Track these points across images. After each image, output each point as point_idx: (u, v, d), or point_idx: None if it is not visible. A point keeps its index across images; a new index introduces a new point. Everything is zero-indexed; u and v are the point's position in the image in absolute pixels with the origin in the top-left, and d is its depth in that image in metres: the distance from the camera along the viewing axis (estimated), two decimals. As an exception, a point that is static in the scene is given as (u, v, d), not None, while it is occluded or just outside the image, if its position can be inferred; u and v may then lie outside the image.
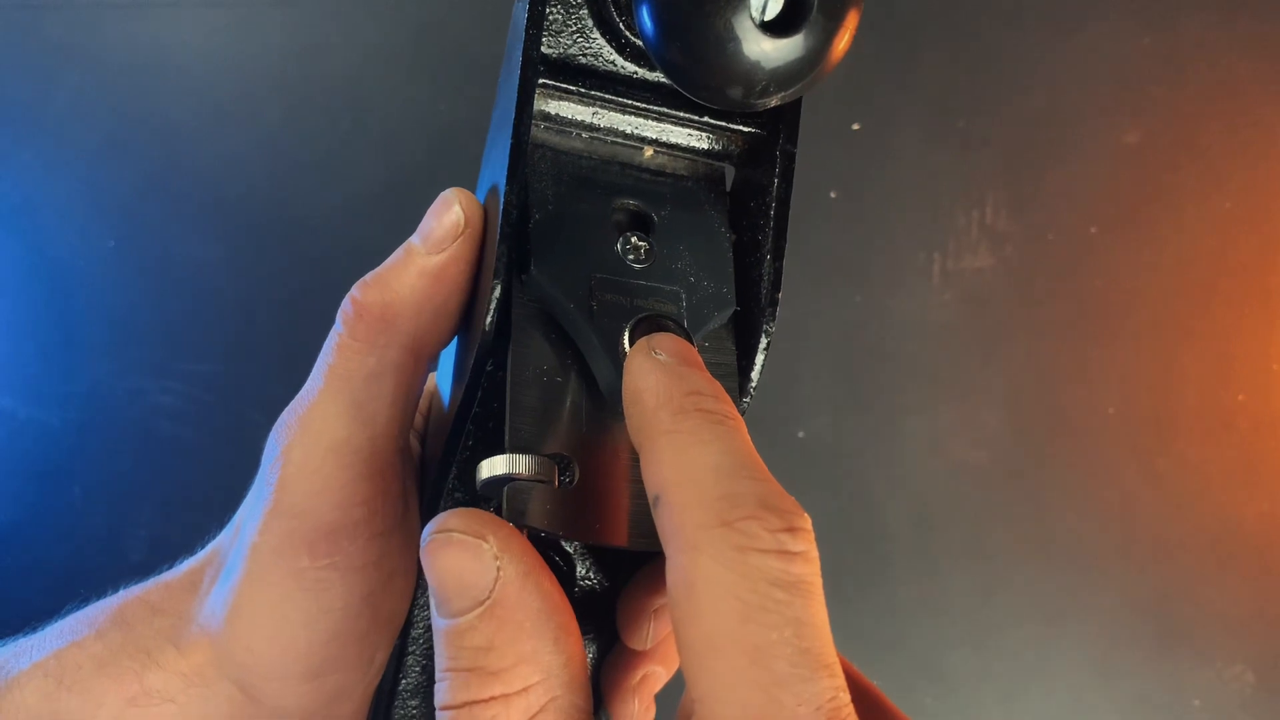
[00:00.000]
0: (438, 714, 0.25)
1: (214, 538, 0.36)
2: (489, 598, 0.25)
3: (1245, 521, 0.78)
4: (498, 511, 0.34)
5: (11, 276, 0.77)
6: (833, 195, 0.80)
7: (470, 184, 0.36)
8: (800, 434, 0.79)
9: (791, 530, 0.23)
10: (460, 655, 0.25)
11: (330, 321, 0.32)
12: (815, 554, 0.23)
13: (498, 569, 0.25)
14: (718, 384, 0.27)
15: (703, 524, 0.23)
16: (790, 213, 0.33)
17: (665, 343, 0.27)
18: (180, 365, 0.77)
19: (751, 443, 0.25)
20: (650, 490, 0.25)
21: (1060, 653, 0.77)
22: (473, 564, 0.25)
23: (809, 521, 0.24)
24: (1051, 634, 0.77)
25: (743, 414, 0.32)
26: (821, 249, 0.80)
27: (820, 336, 0.79)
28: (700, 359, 0.27)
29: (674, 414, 0.25)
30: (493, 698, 0.25)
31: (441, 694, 0.26)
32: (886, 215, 0.81)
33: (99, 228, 0.78)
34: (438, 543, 0.26)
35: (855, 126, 0.80)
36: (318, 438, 0.31)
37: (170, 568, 0.36)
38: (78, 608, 0.35)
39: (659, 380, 0.26)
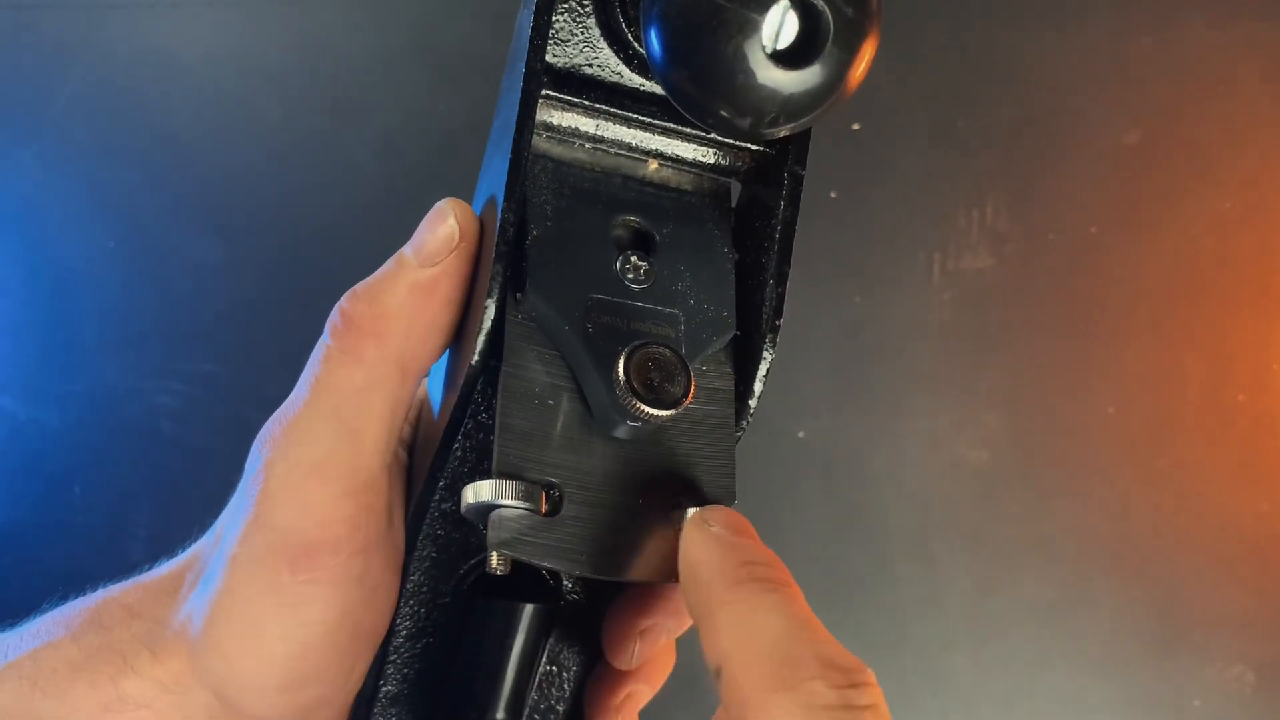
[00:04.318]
0: None
1: (196, 541, 0.35)
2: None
3: (1245, 521, 0.78)
4: (483, 538, 0.32)
5: (12, 276, 0.77)
6: (833, 195, 0.80)
7: (470, 185, 0.36)
8: (800, 434, 0.79)
9: (855, 686, 0.23)
10: None
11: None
12: (884, 708, 0.24)
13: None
14: (771, 553, 0.27)
15: (767, 689, 0.23)
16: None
17: (718, 515, 0.28)
18: (180, 365, 0.77)
19: (808, 606, 0.26)
20: (711, 662, 0.25)
21: (1060, 653, 0.77)
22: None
23: (873, 676, 0.24)
24: (1051, 634, 0.77)
25: (740, 439, 0.32)
26: (821, 249, 0.79)
27: (820, 336, 0.79)
28: (753, 529, 0.28)
29: (729, 585, 0.26)
30: None
31: None
32: (886, 215, 0.80)
33: (99, 228, 0.78)
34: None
35: (855, 126, 0.80)
36: (301, 453, 0.31)
37: (150, 568, 0.35)
38: (56, 605, 0.35)
39: (713, 553, 0.27)
